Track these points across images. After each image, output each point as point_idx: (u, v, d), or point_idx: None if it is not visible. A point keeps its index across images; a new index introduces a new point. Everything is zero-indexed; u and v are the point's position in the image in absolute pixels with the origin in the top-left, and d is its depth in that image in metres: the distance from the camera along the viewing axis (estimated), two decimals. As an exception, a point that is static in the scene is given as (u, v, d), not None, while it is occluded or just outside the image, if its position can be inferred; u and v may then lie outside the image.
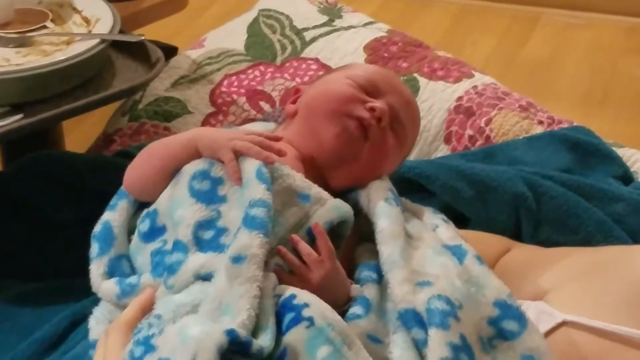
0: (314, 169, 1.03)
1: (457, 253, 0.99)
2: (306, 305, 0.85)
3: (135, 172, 1.02)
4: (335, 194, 1.01)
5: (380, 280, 0.96)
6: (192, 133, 1.00)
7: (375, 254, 0.97)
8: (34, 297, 1.15)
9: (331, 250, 0.93)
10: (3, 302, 1.14)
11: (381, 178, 1.05)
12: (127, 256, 1.00)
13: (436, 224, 1.04)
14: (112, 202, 1.03)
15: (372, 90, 1.06)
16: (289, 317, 0.85)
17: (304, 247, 0.92)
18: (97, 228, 1.01)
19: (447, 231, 1.03)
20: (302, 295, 0.87)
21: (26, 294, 1.16)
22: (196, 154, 0.98)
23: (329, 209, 0.96)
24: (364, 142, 1.03)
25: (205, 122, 1.49)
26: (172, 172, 0.98)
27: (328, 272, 0.92)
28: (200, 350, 0.79)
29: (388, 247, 0.96)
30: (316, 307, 0.85)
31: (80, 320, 1.07)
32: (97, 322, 0.97)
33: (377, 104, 1.04)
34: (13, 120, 1.17)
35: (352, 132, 1.03)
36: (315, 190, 0.97)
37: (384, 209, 1.00)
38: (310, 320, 0.84)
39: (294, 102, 1.11)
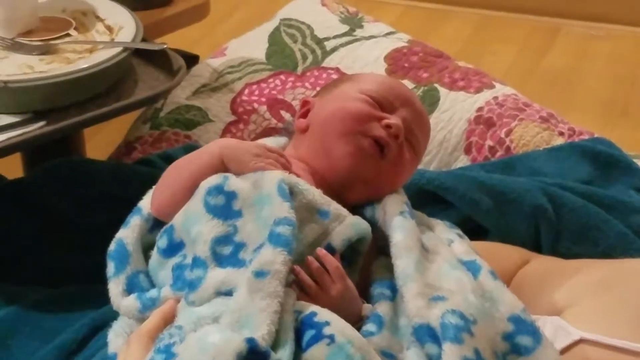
0: (329, 186, 1.03)
1: (472, 268, 0.98)
2: (327, 323, 0.86)
3: (164, 193, 1.01)
4: (350, 206, 1.01)
5: (394, 296, 0.96)
6: (216, 148, 1.00)
7: (391, 268, 0.97)
8: (55, 302, 1.16)
9: (340, 272, 0.93)
10: (25, 308, 1.15)
11: (397, 191, 1.05)
12: (145, 272, 1.00)
13: (451, 239, 1.04)
14: (126, 220, 1.03)
15: (386, 104, 1.06)
16: (309, 334, 0.85)
17: (317, 268, 0.93)
18: (112, 246, 1.01)
19: (461, 246, 1.03)
20: (323, 313, 0.87)
21: (47, 300, 1.16)
22: (222, 168, 0.98)
23: (348, 225, 0.96)
24: (380, 160, 1.03)
25: (225, 131, 1.49)
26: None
27: (339, 292, 0.93)
28: (219, 356, 0.79)
29: (402, 260, 0.96)
30: (337, 324, 0.86)
31: (101, 327, 1.08)
32: (116, 335, 0.97)
33: (393, 120, 1.04)
34: (36, 128, 1.18)
35: (367, 150, 1.02)
36: (335, 206, 0.97)
37: (399, 222, 0.99)
38: (331, 337, 0.84)
39: (303, 116, 1.10)
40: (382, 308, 0.94)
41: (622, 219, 1.23)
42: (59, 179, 1.26)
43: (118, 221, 1.05)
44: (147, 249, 1.03)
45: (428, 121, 1.12)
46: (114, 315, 1.02)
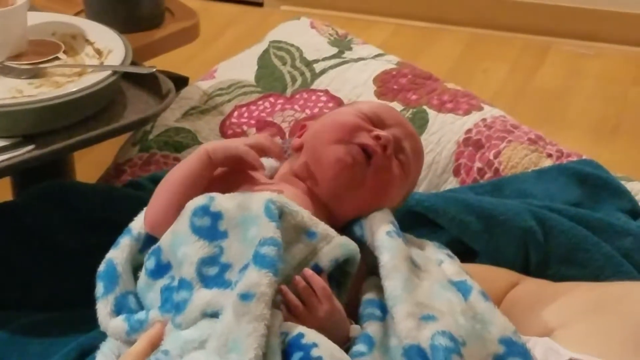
0: (320, 201, 1.03)
1: (462, 289, 0.98)
2: (315, 345, 0.86)
3: (156, 205, 1.02)
4: (340, 226, 1.02)
5: (384, 316, 0.96)
6: (201, 147, 1.03)
7: (381, 288, 0.97)
8: (42, 327, 1.15)
9: (327, 292, 0.93)
10: (12, 332, 1.14)
11: (382, 210, 1.05)
12: (134, 293, 1.00)
13: (441, 259, 1.04)
14: (116, 240, 1.03)
15: (378, 121, 1.07)
16: (297, 356, 0.85)
17: (304, 288, 0.92)
18: (101, 267, 1.01)
19: (452, 266, 1.03)
20: (311, 335, 0.87)
21: (35, 324, 1.16)
22: (210, 163, 1.00)
23: (335, 246, 0.96)
24: (366, 168, 1.03)
25: (215, 153, 1.49)
26: (191, 195, 0.99)
27: (326, 312, 0.93)
28: None
29: (391, 282, 0.96)
30: (325, 346, 0.86)
31: (88, 352, 1.07)
32: (105, 357, 0.97)
33: (383, 132, 1.05)
34: (24, 151, 1.18)
35: (354, 156, 1.03)
36: (322, 227, 0.97)
37: (386, 243, 0.99)
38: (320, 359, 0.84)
39: (300, 137, 1.11)
40: (372, 328, 0.94)
41: (610, 242, 1.24)
42: (48, 201, 1.26)
43: (107, 244, 1.05)
44: (136, 269, 1.03)
45: (420, 145, 1.12)
46: (103, 339, 1.01)
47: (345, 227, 1.04)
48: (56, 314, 1.19)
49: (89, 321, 1.06)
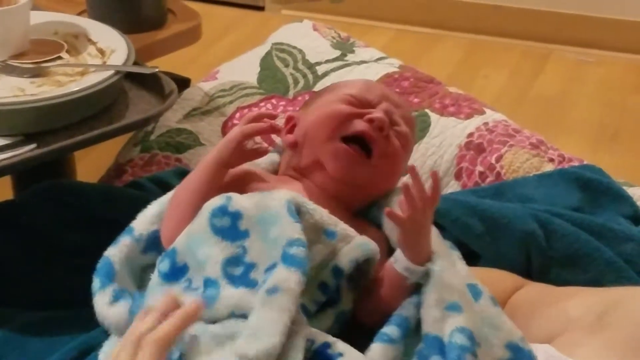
0: (330, 195, 1.03)
1: (473, 292, 0.98)
2: (340, 354, 0.86)
3: (171, 222, 1.02)
4: (356, 211, 1.02)
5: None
6: (202, 160, 1.04)
7: None
8: (42, 326, 1.15)
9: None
10: (11, 331, 1.14)
11: (397, 194, 1.05)
12: (130, 293, 1.00)
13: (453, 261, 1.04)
14: (116, 238, 1.03)
15: (365, 101, 1.07)
16: None
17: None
18: (99, 264, 1.01)
19: (463, 269, 1.03)
20: (337, 345, 0.87)
21: (34, 323, 1.15)
22: (218, 169, 1.01)
23: (355, 246, 0.96)
24: (369, 157, 1.04)
25: (216, 154, 1.49)
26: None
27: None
28: None
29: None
30: (350, 356, 0.86)
31: (88, 350, 1.07)
32: (107, 357, 0.97)
33: (375, 114, 1.05)
34: (26, 150, 1.18)
35: (354, 150, 1.03)
36: (342, 227, 0.97)
37: None
38: None
39: (290, 132, 1.11)
40: (409, 311, 0.95)
41: (612, 247, 1.24)
42: (49, 201, 1.26)
43: (108, 244, 1.05)
44: (141, 271, 1.02)
45: (409, 109, 1.13)
46: (103, 339, 1.01)
47: (361, 209, 1.04)
48: (55, 313, 1.19)
49: (89, 320, 1.06)
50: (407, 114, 1.11)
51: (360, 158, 1.03)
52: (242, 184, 1.03)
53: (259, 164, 1.12)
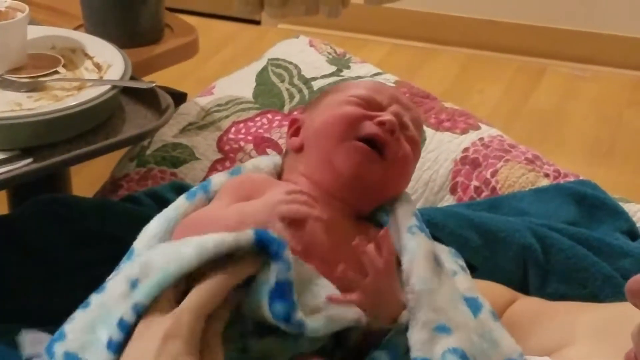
0: (337, 202, 1.01)
1: (473, 305, 0.97)
2: None
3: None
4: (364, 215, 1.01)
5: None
6: (234, 216, 0.95)
7: None
8: (39, 341, 1.15)
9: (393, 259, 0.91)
10: (7, 345, 1.14)
11: (407, 200, 1.04)
12: None
13: (455, 271, 1.02)
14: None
15: (375, 104, 1.05)
16: None
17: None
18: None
19: (465, 281, 1.01)
20: None
21: (30, 338, 1.15)
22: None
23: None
24: (382, 162, 1.01)
25: (212, 169, 1.49)
26: None
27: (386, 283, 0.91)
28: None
29: (413, 280, 0.94)
30: None
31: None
32: None
33: (385, 116, 1.03)
34: (22, 165, 1.18)
35: (367, 153, 1.01)
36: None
37: (405, 241, 0.98)
38: None
39: (295, 134, 1.09)
40: (398, 336, 0.92)
41: (609, 262, 1.23)
42: (45, 215, 1.25)
43: (104, 259, 1.04)
44: None
45: (418, 112, 1.11)
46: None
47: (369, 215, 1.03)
48: (52, 328, 1.18)
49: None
50: (416, 116, 1.10)
51: (376, 156, 1.01)
52: (250, 193, 1.01)
53: (262, 169, 1.10)
